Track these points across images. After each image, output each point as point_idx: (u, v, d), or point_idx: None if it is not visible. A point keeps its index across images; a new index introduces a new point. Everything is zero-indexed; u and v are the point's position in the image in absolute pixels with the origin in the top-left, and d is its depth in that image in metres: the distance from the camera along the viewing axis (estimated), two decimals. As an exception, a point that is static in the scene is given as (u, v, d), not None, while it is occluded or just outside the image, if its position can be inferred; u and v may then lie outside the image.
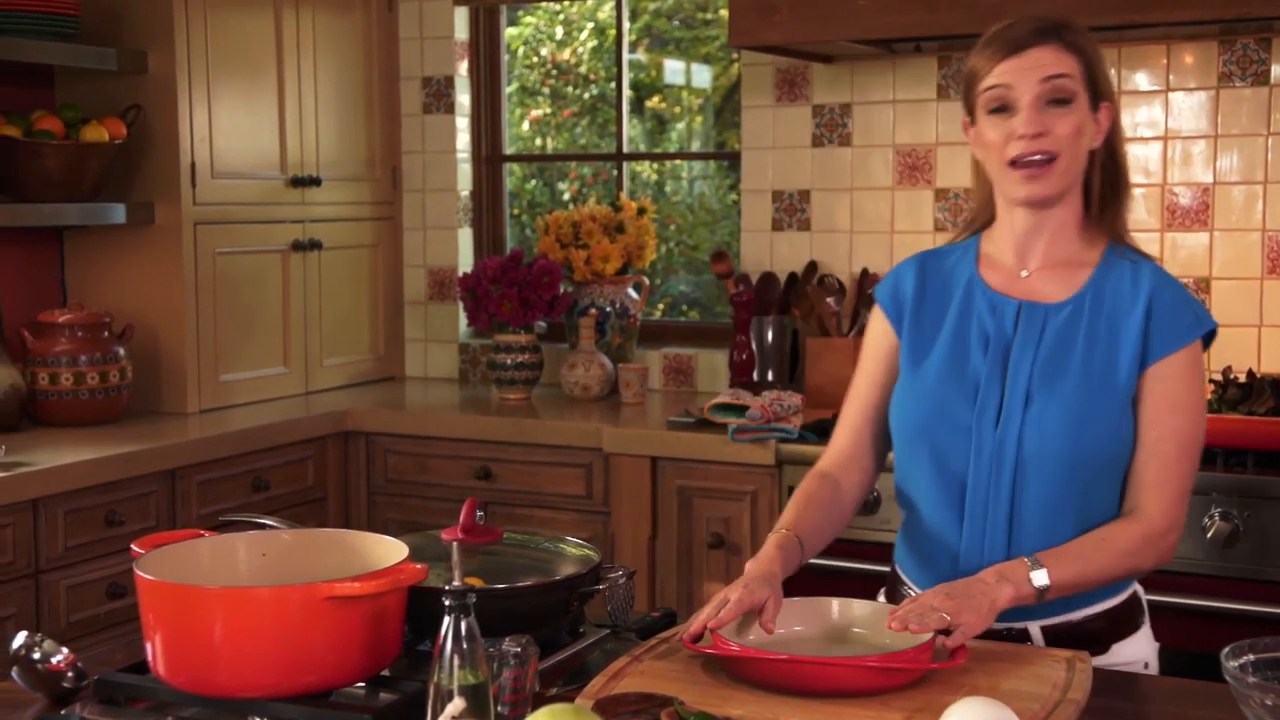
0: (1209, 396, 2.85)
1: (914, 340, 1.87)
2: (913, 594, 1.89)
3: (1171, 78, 3.24)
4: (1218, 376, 2.89)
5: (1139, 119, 3.28)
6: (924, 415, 1.83)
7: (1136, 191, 3.28)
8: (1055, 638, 1.79)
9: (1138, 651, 1.84)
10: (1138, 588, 1.88)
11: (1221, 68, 3.19)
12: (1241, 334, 3.20)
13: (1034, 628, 1.79)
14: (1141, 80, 3.27)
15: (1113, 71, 3.27)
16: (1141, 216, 3.28)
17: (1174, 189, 3.26)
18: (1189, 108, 3.23)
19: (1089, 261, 1.83)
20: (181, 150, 3.41)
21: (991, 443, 1.78)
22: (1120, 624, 1.83)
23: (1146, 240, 3.28)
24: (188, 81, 3.41)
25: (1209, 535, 2.61)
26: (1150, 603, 2.73)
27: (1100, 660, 1.77)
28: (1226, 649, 1.45)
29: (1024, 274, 1.84)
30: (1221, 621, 2.59)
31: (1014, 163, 1.76)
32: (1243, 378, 2.87)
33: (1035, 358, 1.78)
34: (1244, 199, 3.20)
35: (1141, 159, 3.28)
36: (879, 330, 1.94)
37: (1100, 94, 1.79)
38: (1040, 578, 1.69)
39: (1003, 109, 1.77)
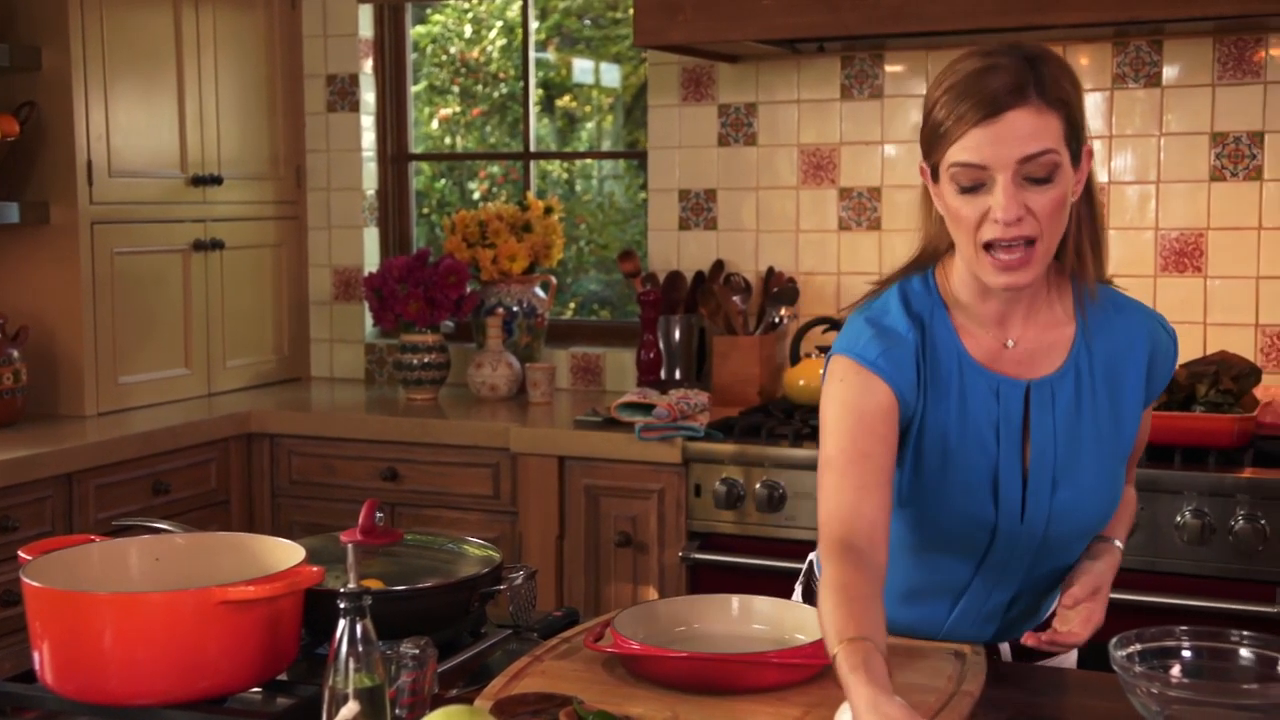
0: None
1: (927, 427, 1.65)
2: None
3: (1068, 79, 3.30)
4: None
5: (1037, 120, 3.33)
6: (943, 510, 1.66)
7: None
8: (1023, 651, 1.77)
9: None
10: None
11: (1115, 69, 3.26)
12: (1136, 330, 3.27)
13: (1003, 648, 1.81)
14: (1039, 82, 3.33)
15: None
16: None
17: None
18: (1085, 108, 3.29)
19: (1065, 317, 1.68)
20: (78, 148, 3.34)
21: (1015, 532, 1.68)
22: None
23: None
24: (83, 78, 3.34)
25: (1104, 528, 2.67)
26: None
27: (1058, 659, 1.81)
28: (1114, 639, 1.48)
29: (1009, 344, 1.66)
30: (1116, 612, 2.63)
31: (989, 245, 1.55)
32: (1137, 373, 2.93)
33: (1056, 440, 1.65)
34: (1138, 198, 3.27)
35: (1040, 159, 3.34)
36: (880, 394, 1.61)
37: (1082, 141, 1.58)
38: (1120, 545, 1.77)
39: (976, 187, 1.54)
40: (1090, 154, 1.60)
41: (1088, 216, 1.63)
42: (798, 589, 1.97)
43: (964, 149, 1.52)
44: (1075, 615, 1.67)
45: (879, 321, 1.65)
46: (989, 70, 1.52)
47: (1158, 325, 1.72)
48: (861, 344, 1.63)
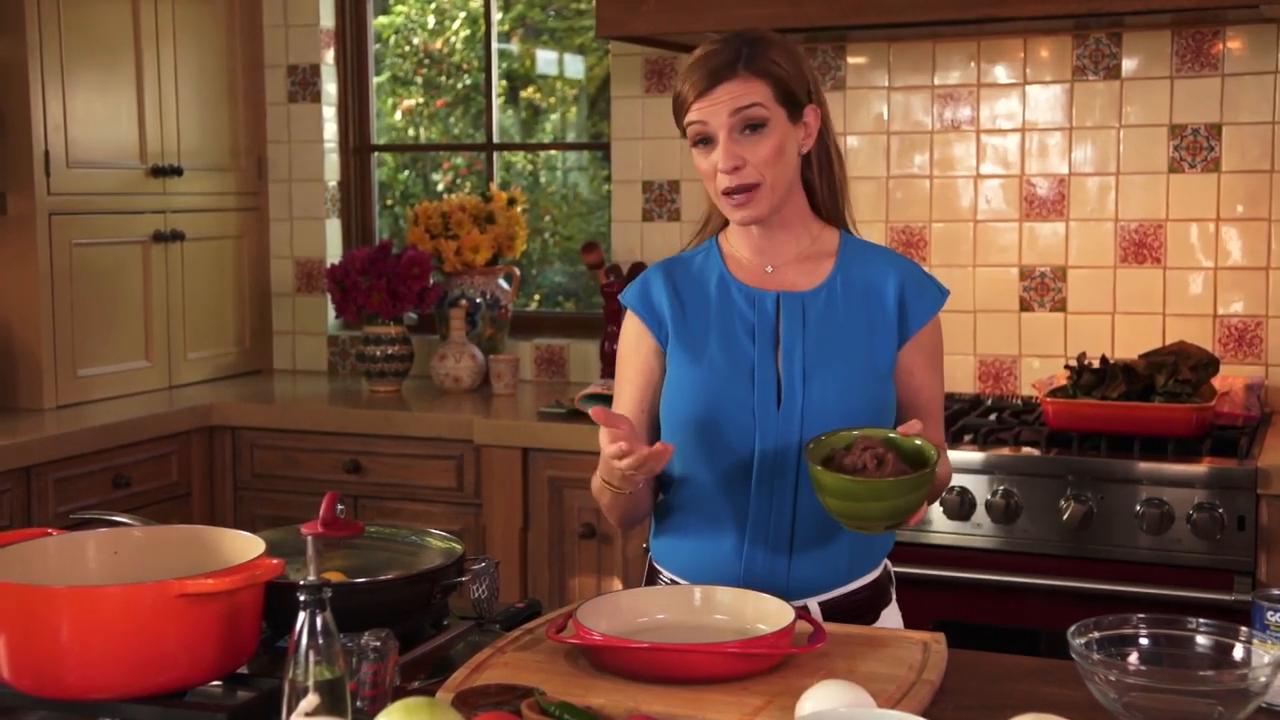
0: (1064, 383, 2.94)
1: (684, 340, 1.92)
2: (669, 582, 1.93)
3: (1028, 71, 3.33)
4: (1072, 363, 2.97)
5: (998, 111, 3.35)
6: (707, 402, 1.87)
7: (995, 182, 3.36)
8: (832, 611, 1.87)
9: (897, 620, 1.97)
10: (887, 560, 1.99)
11: (1075, 61, 3.28)
12: (1095, 321, 3.30)
13: (813, 604, 1.87)
14: (1000, 73, 3.34)
15: (972, 64, 3.34)
16: (1000, 207, 3.36)
17: (1031, 180, 3.34)
18: (1045, 100, 3.32)
19: (828, 251, 1.94)
20: (34, 138, 3.30)
21: (775, 422, 1.85)
22: (881, 593, 1.95)
23: (1005, 230, 3.37)
24: (39, 67, 3.30)
25: (1064, 517, 2.69)
26: (1005, 583, 2.81)
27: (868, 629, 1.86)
28: (1072, 627, 1.49)
29: (769, 269, 1.94)
30: (1077, 601, 2.66)
31: (724, 193, 1.85)
32: (1096, 364, 2.95)
33: (804, 341, 1.88)
34: (1097, 190, 3.29)
35: (1001, 150, 3.36)
36: (635, 333, 1.96)
37: (801, 102, 1.87)
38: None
39: (705, 141, 1.86)
40: (816, 114, 1.89)
41: (825, 165, 1.93)
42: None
43: (693, 114, 1.86)
44: None
45: (644, 275, 1.99)
46: (711, 53, 1.86)
47: (915, 273, 1.95)
48: (629, 295, 1.98)
